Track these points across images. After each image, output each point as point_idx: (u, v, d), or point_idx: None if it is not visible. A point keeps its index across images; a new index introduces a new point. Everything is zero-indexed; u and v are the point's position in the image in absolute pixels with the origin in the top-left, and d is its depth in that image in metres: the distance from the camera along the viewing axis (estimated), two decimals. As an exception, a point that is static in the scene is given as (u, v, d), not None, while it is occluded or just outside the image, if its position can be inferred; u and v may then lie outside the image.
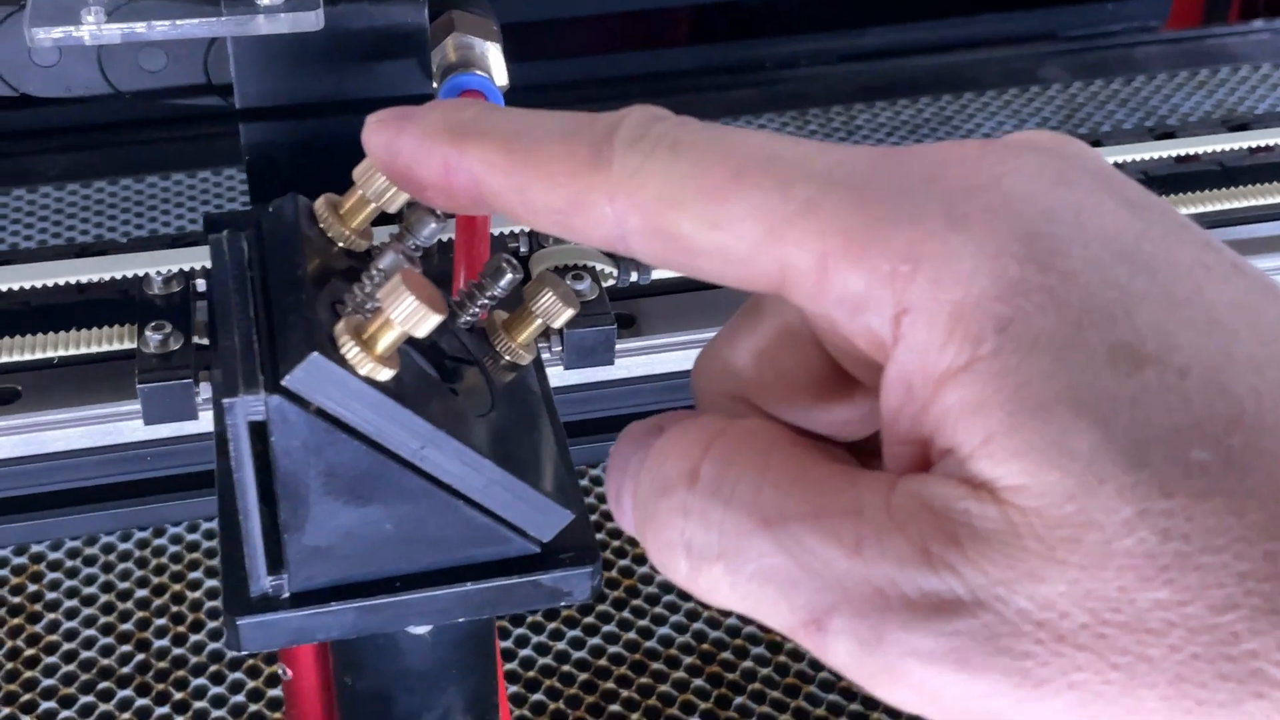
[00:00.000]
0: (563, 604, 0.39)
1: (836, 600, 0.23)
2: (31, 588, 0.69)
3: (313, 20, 0.44)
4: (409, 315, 0.33)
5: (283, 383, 0.34)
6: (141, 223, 0.91)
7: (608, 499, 0.27)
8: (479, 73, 0.48)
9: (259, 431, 0.35)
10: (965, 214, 0.23)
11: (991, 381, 0.22)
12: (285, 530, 0.36)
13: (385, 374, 0.35)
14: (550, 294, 0.40)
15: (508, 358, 0.41)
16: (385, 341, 0.34)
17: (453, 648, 0.42)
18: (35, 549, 0.70)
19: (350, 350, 0.34)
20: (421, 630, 0.41)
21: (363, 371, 0.34)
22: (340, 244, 0.39)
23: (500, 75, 0.49)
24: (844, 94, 1.05)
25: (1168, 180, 0.64)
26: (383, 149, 0.30)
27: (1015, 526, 0.22)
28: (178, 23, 0.44)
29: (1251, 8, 1.25)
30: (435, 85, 0.49)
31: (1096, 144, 0.66)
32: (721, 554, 0.24)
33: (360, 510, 0.36)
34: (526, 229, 0.53)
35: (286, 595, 0.37)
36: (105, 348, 0.47)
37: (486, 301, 0.40)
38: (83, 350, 0.47)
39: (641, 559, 0.72)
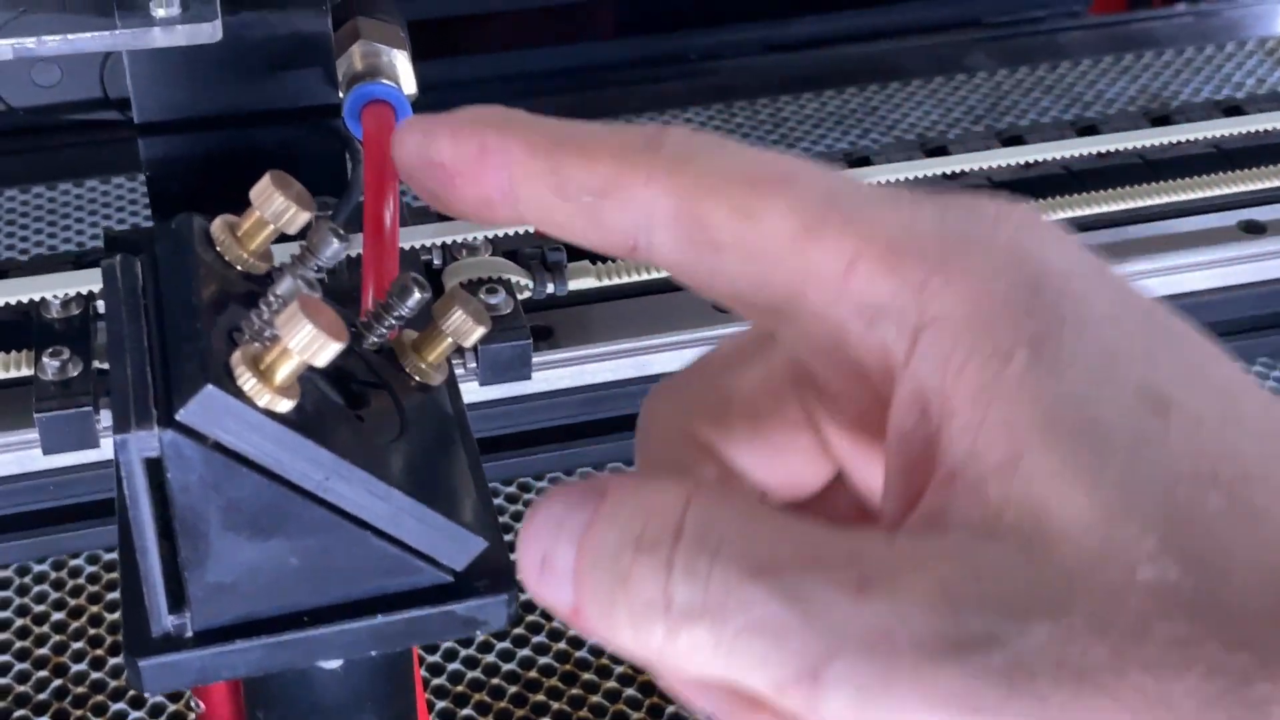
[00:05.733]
0: (478, 633, 0.38)
1: (837, 646, 0.21)
2: (-57, 614, 0.67)
3: (210, 32, 0.43)
4: (308, 344, 0.32)
5: (176, 416, 0.33)
6: (56, 230, 0.89)
7: (522, 565, 0.24)
8: (386, 82, 0.46)
9: (155, 466, 0.34)
10: (1003, 240, 0.23)
11: (1023, 398, 0.21)
12: (186, 567, 0.35)
13: (285, 405, 0.33)
14: (460, 312, 0.38)
15: (418, 379, 0.39)
16: (284, 371, 0.33)
17: (367, 679, 0.40)
18: (-53, 573, 0.68)
19: (247, 381, 0.33)
20: (333, 665, 0.39)
21: (261, 403, 0.33)
22: (238, 267, 0.37)
23: (409, 83, 0.48)
24: (770, 86, 1.04)
25: (1089, 174, 0.63)
26: (415, 145, 0.28)
27: (1034, 557, 0.21)
28: (70, 37, 0.43)
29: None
30: (341, 95, 0.48)
31: (1018, 139, 0.65)
32: (706, 609, 0.22)
33: (264, 545, 0.35)
34: (439, 241, 0.52)
35: (190, 634, 0.36)
36: (2, 375, 0.45)
37: (394, 322, 0.38)
38: (-23, 378, 0.46)
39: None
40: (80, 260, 0.51)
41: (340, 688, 0.40)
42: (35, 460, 0.47)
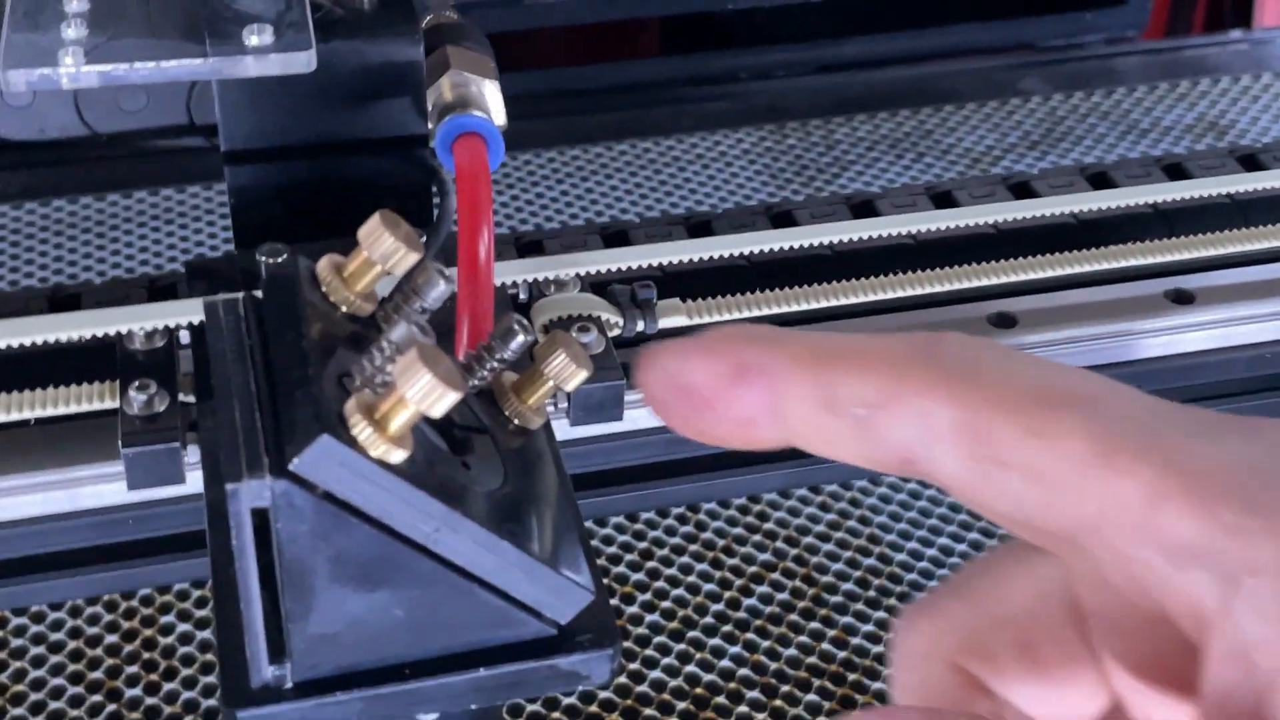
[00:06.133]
0: (580, 688, 0.37)
1: None
2: (-4, 634, 0.66)
3: (305, 61, 0.42)
4: (426, 394, 0.31)
5: (290, 466, 0.32)
6: (104, 243, 0.88)
7: None
8: (477, 113, 0.45)
9: (260, 514, 0.33)
10: None
11: None
12: (289, 619, 0.34)
13: (398, 455, 0.32)
14: (563, 355, 0.38)
15: (517, 421, 0.39)
16: (399, 421, 0.32)
17: (461, 730, 0.40)
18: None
19: (362, 431, 0.32)
20: (429, 718, 0.39)
21: (375, 454, 0.32)
22: (344, 308, 0.36)
23: (499, 115, 0.47)
24: (822, 107, 1.03)
25: (1177, 215, 0.62)
26: (666, 371, 0.27)
27: None
28: (161, 64, 0.42)
29: (1217, 18, 1.24)
30: (431, 125, 0.47)
31: (1103, 177, 0.64)
32: None
33: (369, 596, 0.34)
34: (527, 277, 0.51)
35: (289, 685, 0.35)
36: (85, 407, 0.45)
37: (496, 365, 0.38)
38: (60, 410, 0.45)
39: (629, 598, 0.70)
40: (157, 283, 0.50)
41: (432, 739, 0.39)
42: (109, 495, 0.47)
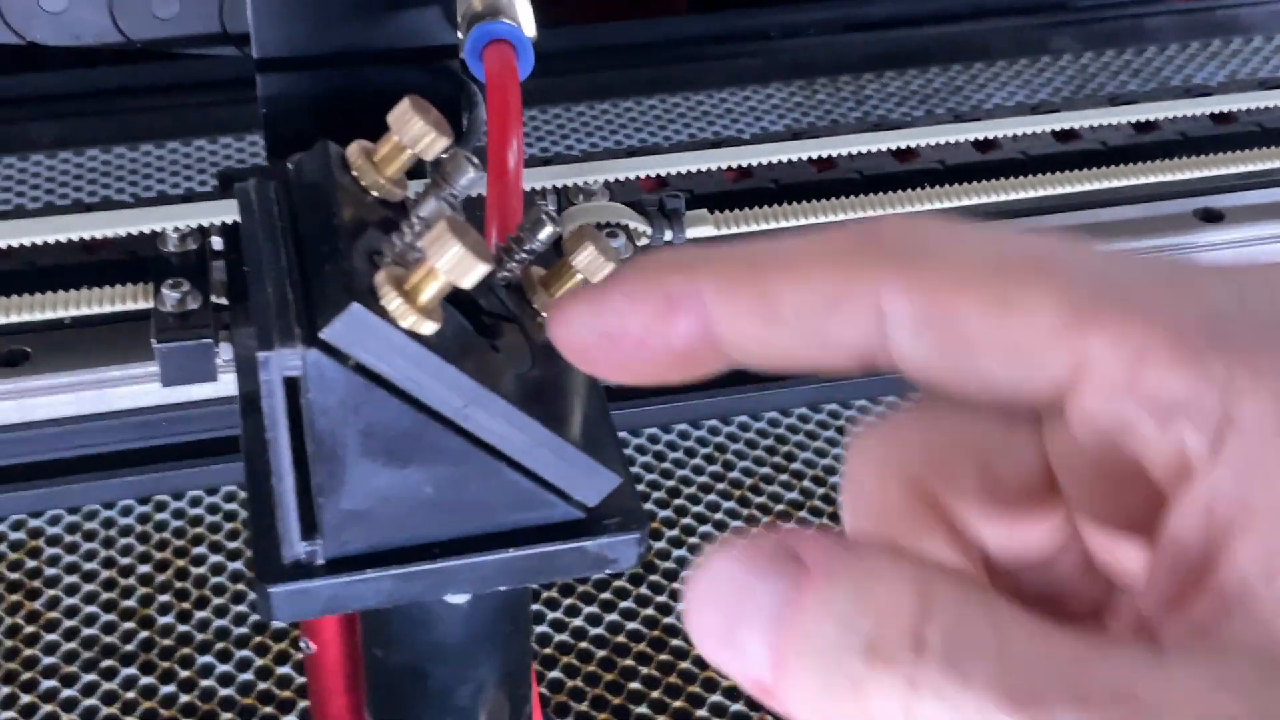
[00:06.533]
0: (607, 572, 0.37)
1: None
2: (30, 563, 0.67)
3: (336, -36, 0.42)
4: (456, 264, 0.32)
5: (320, 335, 0.32)
6: (137, 191, 0.89)
7: (696, 627, 0.21)
8: (507, 20, 0.46)
9: (291, 389, 0.33)
10: None
11: None
12: (320, 493, 0.34)
13: (428, 327, 0.33)
14: (592, 248, 0.38)
15: (545, 315, 0.39)
16: (429, 293, 0.32)
17: (488, 618, 0.40)
18: (34, 524, 0.68)
19: (392, 301, 0.32)
20: (459, 600, 0.39)
21: (405, 324, 0.32)
22: (374, 193, 0.37)
23: (528, 24, 0.47)
24: (852, 64, 1.03)
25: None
26: (583, 321, 0.25)
27: None
28: (195, -35, 0.42)
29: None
30: (460, 35, 0.47)
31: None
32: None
33: (399, 472, 0.34)
34: (554, 184, 0.51)
35: (321, 561, 0.35)
36: (119, 307, 0.45)
37: (525, 256, 0.38)
38: (95, 310, 0.45)
39: (656, 534, 0.70)
40: (192, 197, 0.50)
41: (461, 627, 0.40)
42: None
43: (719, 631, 0.21)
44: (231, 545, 0.68)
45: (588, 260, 0.38)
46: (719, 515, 0.71)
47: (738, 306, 0.23)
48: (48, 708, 0.61)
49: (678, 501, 0.72)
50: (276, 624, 0.63)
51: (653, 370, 0.24)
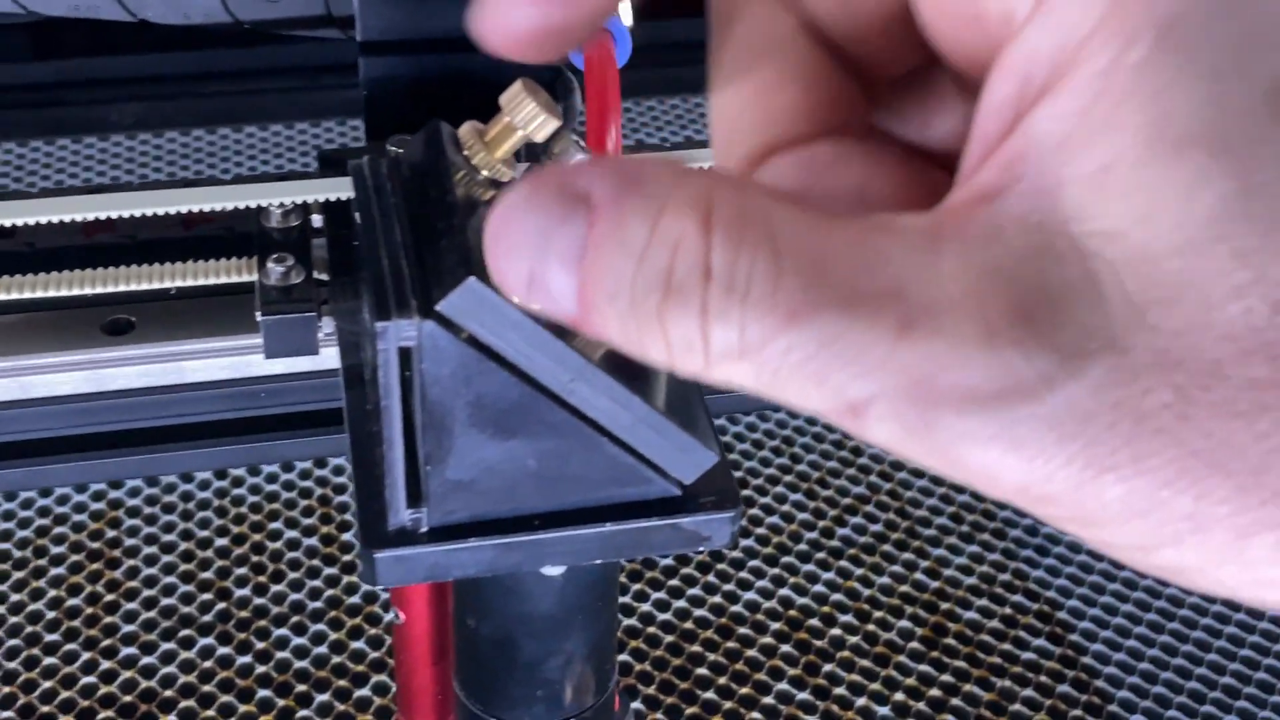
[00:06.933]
0: (701, 549, 0.38)
1: (876, 391, 0.19)
2: (110, 533, 0.68)
3: (444, -50, 0.43)
4: (529, 118, 0.33)
5: (437, 307, 0.33)
6: (215, 174, 0.90)
7: (502, 275, 0.21)
8: (607, 11, 0.46)
9: (404, 360, 0.34)
10: None
11: (1132, 97, 0.19)
12: (428, 462, 0.35)
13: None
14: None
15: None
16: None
17: (581, 591, 0.41)
18: (114, 495, 0.69)
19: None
20: (555, 572, 0.40)
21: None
22: (485, 172, 0.38)
23: (626, 14, 0.48)
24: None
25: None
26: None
27: (1100, 286, 0.19)
28: (307, -52, 0.43)
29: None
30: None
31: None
32: (745, 352, 0.20)
33: (504, 444, 0.35)
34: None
35: (425, 529, 0.36)
36: (224, 279, 0.46)
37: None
38: (200, 281, 0.46)
39: (723, 523, 0.71)
40: (293, 175, 0.51)
41: (555, 598, 0.40)
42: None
43: (527, 278, 0.21)
44: (307, 521, 0.69)
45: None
46: (786, 506, 0.72)
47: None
48: (127, 674, 0.62)
49: (745, 492, 0.72)
50: (364, 589, 0.64)
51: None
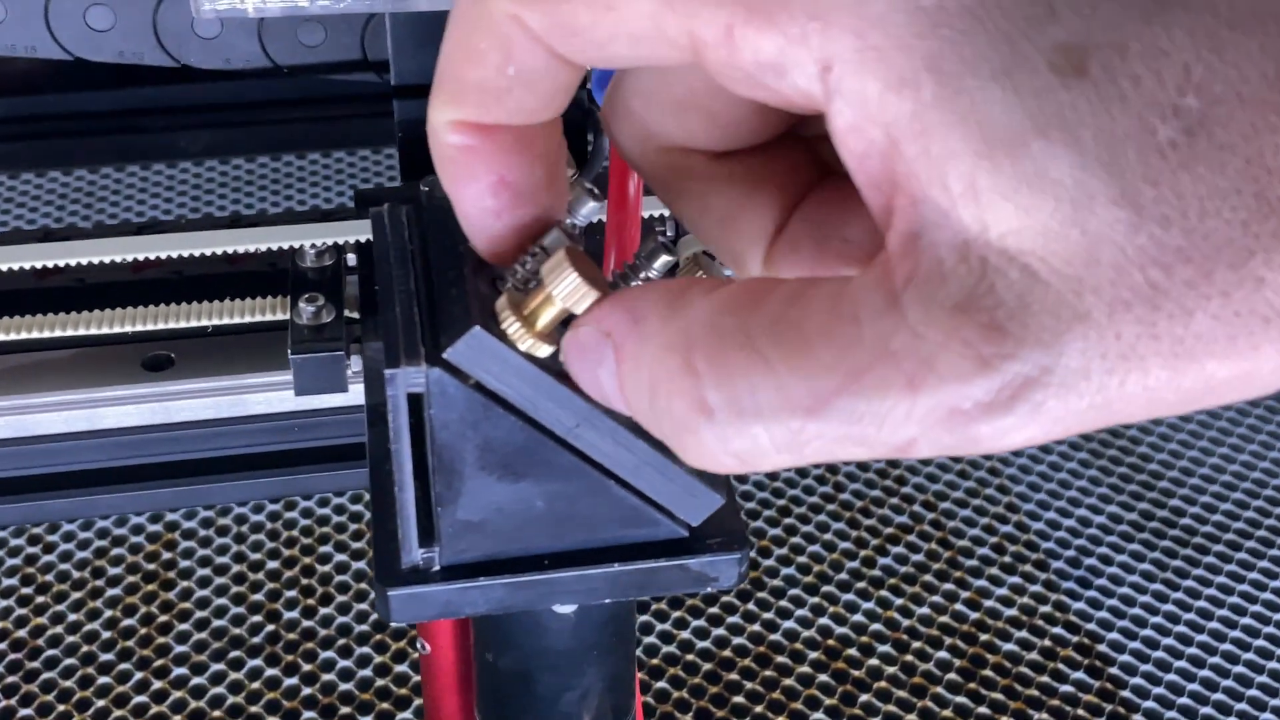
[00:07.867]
0: (708, 590, 0.39)
1: (915, 434, 0.22)
2: (165, 555, 0.70)
3: (473, -2, 0.44)
4: (571, 292, 0.33)
5: (444, 355, 0.34)
6: (278, 200, 0.92)
7: (581, 379, 0.29)
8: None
9: (415, 404, 0.35)
10: None
11: (949, 128, 0.21)
12: (439, 503, 0.36)
13: (544, 350, 0.34)
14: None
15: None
16: (546, 318, 0.34)
17: (595, 628, 0.42)
18: (170, 518, 0.71)
19: (511, 325, 0.34)
20: (567, 609, 0.41)
21: (523, 347, 0.34)
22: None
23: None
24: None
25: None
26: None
27: (1036, 273, 0.21)
28: (339, -2, 0.44)
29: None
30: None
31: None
32: (777, 449, 0.23)
33: (513, 486, 0.36)
34: (669, 214, 0.53)
35: (437, 568, 0.37)
36: (258, 318, 0.48)
37: (639, 284, 0.39)
38: (235, 320, 0.48)
39: (765, 551, 0.71)
40: (330, 215, 0.53)
41: (569, 635, 0.41)
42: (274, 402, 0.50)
43: (593, 382, 0.28)
44: (355, 545, 0.70)
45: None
46: (828, 536, 0.73)
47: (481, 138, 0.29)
48: (177, 694, 0.64)
49: (788, 520, 0.73)
50: (394, 624, 0.66)
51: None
